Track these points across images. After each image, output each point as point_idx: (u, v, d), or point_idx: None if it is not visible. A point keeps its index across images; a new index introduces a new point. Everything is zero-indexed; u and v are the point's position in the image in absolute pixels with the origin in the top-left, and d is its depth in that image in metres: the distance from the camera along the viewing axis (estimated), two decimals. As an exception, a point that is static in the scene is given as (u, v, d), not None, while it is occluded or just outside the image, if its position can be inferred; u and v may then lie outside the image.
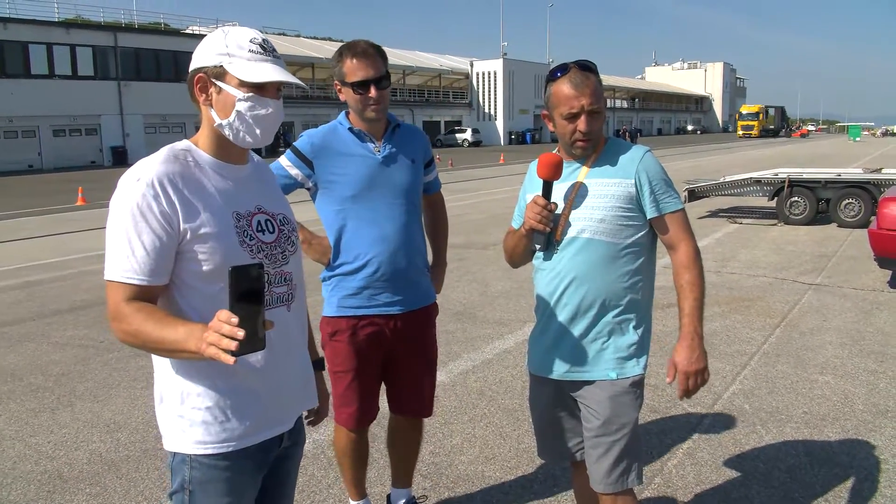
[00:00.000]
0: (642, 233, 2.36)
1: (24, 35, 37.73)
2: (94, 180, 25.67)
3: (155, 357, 1.81)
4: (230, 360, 1.45)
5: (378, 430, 4.09)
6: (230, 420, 1.80)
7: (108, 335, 6.52)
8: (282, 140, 47.86)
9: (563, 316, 2.39)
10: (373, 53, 2.76)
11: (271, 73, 1.74)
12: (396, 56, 60.29)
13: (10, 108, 36.39)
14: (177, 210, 1.69)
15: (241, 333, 1.44)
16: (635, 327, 2.39)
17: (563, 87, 2.29)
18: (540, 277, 2.48)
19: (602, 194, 2.32)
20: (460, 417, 4.56)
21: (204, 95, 1.76)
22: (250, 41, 1.75)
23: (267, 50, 1.78)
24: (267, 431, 1.88)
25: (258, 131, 1.78)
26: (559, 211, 2.35)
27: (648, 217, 2.34)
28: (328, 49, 55.77)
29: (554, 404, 2.53)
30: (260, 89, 1.75)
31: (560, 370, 2.43)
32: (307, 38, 65.50)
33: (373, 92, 2.73)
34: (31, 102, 37.10)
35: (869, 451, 4.00)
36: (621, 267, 2.34)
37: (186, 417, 1.79)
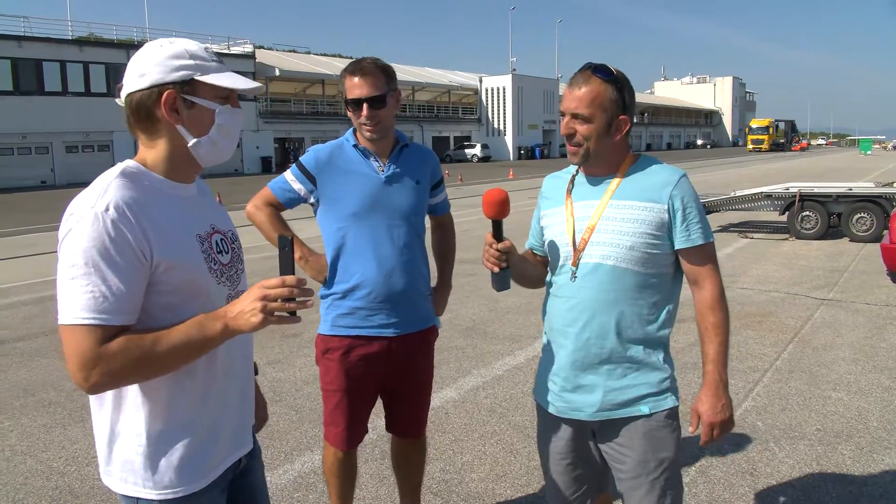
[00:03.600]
0: (669, 263, 2.19)
1: (39, 53, 38.16)
2: (106, 196, 25.71)
3: (107, 406, 1.66)
4: (297, 319, 1.55)
5: (388, 447, 4.08)
6: (200, 455, 1.71)
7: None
8: (292, 156, 48.19)
9: (587, 350, 2.20)
10: (373, 71, 2.70)
11: (246, 80, 1.69)
12: (406, 72, 60.65)
13: (24, 125, 36.75)
14: (149, 239, 1.55)
15: (311, 293, 1.56)
16: (664, 362, 2.22)
17: (567, 85, 2.21)
18: (556, 305, 2.28)
19: (632, 219, 2.13)
20: (470, 434, 4.54)
21: (175, 114, 1.62)
22: (205, 49, 1.68)
23: (221, 58, 1.74)
24: (230, 458, 1.83)
25: (231, 144, 1.73)
26: (582, 229, 2.19)
27: (677, 247, 2.15)
28: (338, 66, 56.11)
29: (573, 445, 2.33)
30: (228, 99, 1.69)
31: (589, 410, 2.22)
32: (317, 54, 65.96)
33: (364, 111, 2.70)
34: (45, 119, 37.47)
35: (884, 469, 3.96)
36: (648, 297, 2.17)
37: (153, 463, 1.66)
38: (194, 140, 1.66)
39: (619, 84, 2.13)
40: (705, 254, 2.17)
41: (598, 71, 2.13)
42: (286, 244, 1.59)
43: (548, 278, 2.36)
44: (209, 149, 1.69)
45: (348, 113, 2.80)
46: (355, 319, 2.83)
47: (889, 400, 4.99)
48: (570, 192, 2.29)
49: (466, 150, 60.59)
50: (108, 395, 1.64)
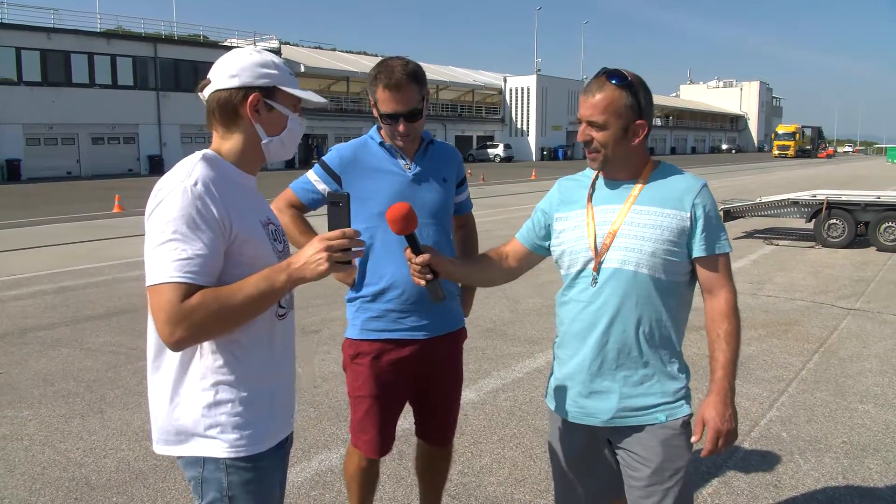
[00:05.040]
0: (686, 271, 2.18)
1: (67, 45, 38.54)
2: (130, 188, 26.04)
3: (167, 376, 1.81)
4: (354, 267, 1.74)
5: (406, 448, 4.05)
6: (261, 421, 1.84)
7: (140, 342, 6.55)
8: (315, 152, 48.34)
9: (605, 355, 2.18)
10: (406, 84, 2.60)
11: (316, 96, 1.94)
12: (430, 71, 60.43)
13: (51, 116, 37.17)
14: (229, 212, 1.73)
15: (363, 244, 1.73)
16: (679, 371, 2.21)
17: (581, 91, 2.18)
18: (572, 310, 2.25)
19: (654, 224, 2.12)
20: (490, 437, 4.49)
21: (256, 114, 1.83)
22: (286, 64, 1.90)
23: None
24: (287, 428, 1.98)
25: (295, 146, 1.95)
26: (604, 233, 2.17)
27: (696, 255, 2.14)
28: (363, 63, 56.28)
29: (586, 452, 2.32)
30: (296, 108, 1.91)
31: (604, 416, 2.21)
32: (343, 51, 66.09)
33: (402, 127, 2.64)
34: (72, 110, 37.89)
35: (913, 485, 3.86)
36: (666, 304, 2.16)
37: (219, 423, 1.79)
38: (268, 139, 1.87)
39: (634, 88, 2.11)
40: (722, 263, 2.17)
41: (613, 76, 2.12)
42: (342, 200, 1.75)
43: (564, 283, 2.31)
44: (278, 147, 1.89)
45: (378, 119, 2.73)
46: (386, 322, 2.75)
47: (918, 414, 4.88)
48: (590, 196, 2.27)
49: (489, 150, 60.45)
50: (171, 365, 1.80)
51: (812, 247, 12.81)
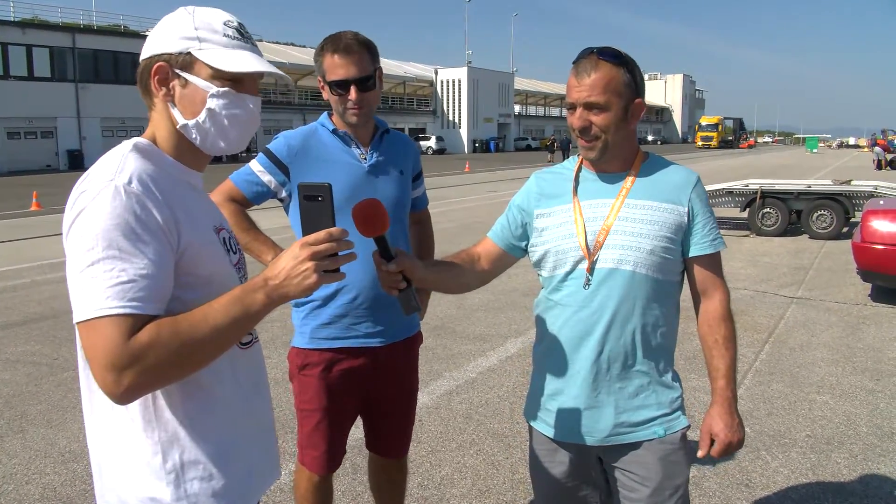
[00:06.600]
0: (679, 270, 2.01)
1: (-22, 35, 36.65)
2: (49, 184, 24.86)
3: (113, 433, 1.39)
4: (343, 275, 1.37)
5: (360, 461, 3.78)
6: (242, 479, 1.50)
7: (63, 351, 6.08)
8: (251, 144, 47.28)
9: (600, 365, 1.97)
10: (357, 49, 2.40)
11: (253, 62, 1.42)
12: (361, 62, 59.52)
13: (-38, 110, 35.29)
14: (175, 216, 1.33)
15: (352, 244, 1.35)
16: (673, 379, 2.04)
17: (571, 74, 1.96)
18: (561, 315, 2.02)
19: (651, 220, 1.94)
20: (448, 445, 4.25)
21: (164, 89, 1.41)
22: (224, 24, 1.44)
23: (245, 35, 1.47)
24: (269, 480, 1.63)
25: (233, 134, 1.46)
26: (596, 230, 1.96)
27: (693, 254, 1.97)
28: (291, 54, 55.18)
29: (576, 474, 2.11)
30: (237, 83, 1.43)
31: (600, 435, 2.00)
32: (270, 42, 64.71)
33: (353, 94, 2.40)
34: (-16, 104, 36.02)
35: (882, 478, 3.79)
36: (661, 307, 1.98)
37: (189, 493, 1.41)
38: (183, 122, 1.43)
39: (630, 66, 1.94)
40: (717, 262, 2.03)
41: (605, 54, 1.91)
42: (321, 192, 1.37)
43: (547, 286, 2.07)
44: (200, 135, 1.44)
45: (327, 96, 2.48)
46: (338, 329, 2.50)
47: (875, 403, 4.86)
48: (575, 190, 2.04)
49: (421, 143, 60.18)
50: (118, 420, 1.38)
51: (747, 235, 13.00)
